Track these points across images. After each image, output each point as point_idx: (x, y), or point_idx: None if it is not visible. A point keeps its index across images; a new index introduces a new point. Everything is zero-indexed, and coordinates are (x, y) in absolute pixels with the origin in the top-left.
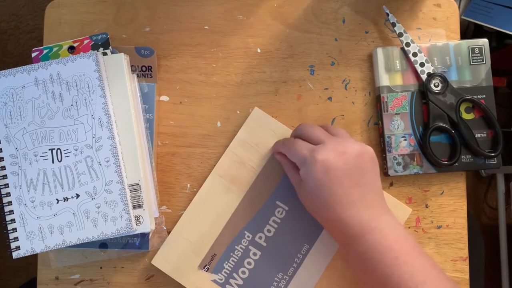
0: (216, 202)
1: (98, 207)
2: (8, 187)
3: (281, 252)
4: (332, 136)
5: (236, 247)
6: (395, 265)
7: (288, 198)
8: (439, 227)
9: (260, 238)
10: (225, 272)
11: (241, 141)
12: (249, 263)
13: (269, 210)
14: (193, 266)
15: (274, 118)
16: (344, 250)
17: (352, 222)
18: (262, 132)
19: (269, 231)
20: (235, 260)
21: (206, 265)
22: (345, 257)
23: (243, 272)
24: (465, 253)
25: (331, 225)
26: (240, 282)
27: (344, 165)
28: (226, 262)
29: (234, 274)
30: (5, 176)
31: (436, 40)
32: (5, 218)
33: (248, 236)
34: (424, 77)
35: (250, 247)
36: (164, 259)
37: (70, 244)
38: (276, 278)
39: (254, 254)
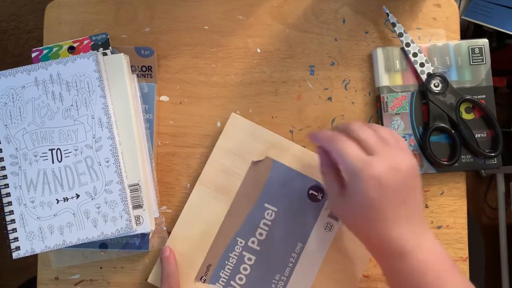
0: (204, 213)
1: (98, 207)
2: (8, 187)
3: (276, 253)
4: (384, 145)
5: (230, 254)
6: (437, 285)
7: (276, 199)
8: (439, 227)
9: (253, 242)
10: (222, 281)
11: (222, 148)
12: (245, 269)
13: (258, 213)
14: (189, 279)
15: (252, 121)
16: (383, 266)
17: (396, 241)
18: (241, 137)
19: (261, 234)
20: (231, 268)
21: (203, 276)
22: (383, 272)
23: (240, 279)
24: (465, 253)
25: (373, 242)
26: None
27: (395, 183)
28: (222, 271)
29: (232, 282)
30: (5, 176)
31: (436, 40)
32: (5, 218)
33: (241, 242)
34: (424, 77)
35: (244, 252)
36: (160, 276)
37: (70, 244)
38: (273, 280)
39: (249, 259)
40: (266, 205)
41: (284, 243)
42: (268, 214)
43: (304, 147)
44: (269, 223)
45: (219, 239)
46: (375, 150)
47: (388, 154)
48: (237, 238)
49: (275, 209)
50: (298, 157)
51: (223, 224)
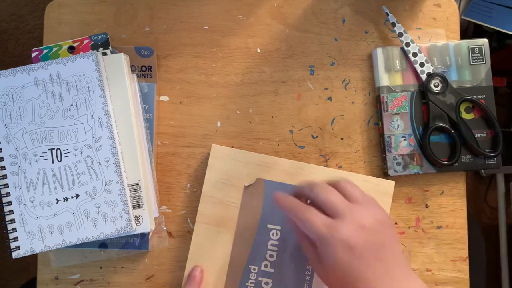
0: (210, 250)
1: (98, 207)
2: (8, 187)
3: (291, 271)
4: (348, 205)
5: (246, 284)
6: None
7: (277, 218)
8: (439, 227)
9: (266, 266)
10: None
11: (211, 182)
12: None
13: (264, 236)
14: None
15: (232, 148)
16: None
17: None
18: (227, 165)
19: (271, 256)
20: None
21: None
22: None
23: None
24: (465, 253)
25: None
26: None
27: (365, 242)
28: None
29: None
30: (5, 176)
31: (436, 40)
32: (5, 218)
33: (254, 269)
34: (424, 77)
35: (259, 278)
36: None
37: (70, 244)
38: None
39: (266, 283)
40: (269, 226)
41: (296, 259)
42: (273, 234)
43: (303, 147)
44: (277, 242)
45: (232, 272)
46: (339, 212)
47: (353, 213)
48: (249, 266)
49: (278, 227)
50: (287, 170)
51: (232, 256)
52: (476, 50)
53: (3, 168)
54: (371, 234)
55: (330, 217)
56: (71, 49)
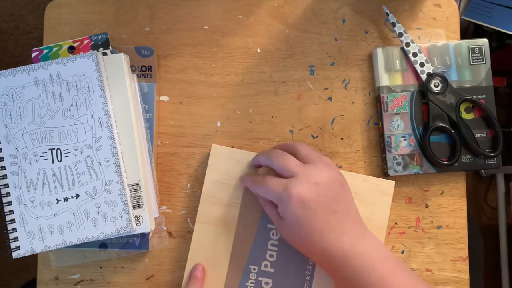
0: (211, 250)
1: (98, 207)
2: (8, 187)
3: (291, 270)
4: (301, 165)
5: (246, 284)
6: (382, 286)
7: None
8: (439, 227)
9: (266, 266)
10: None
11: (212, 182)
12: None
13: (264, 236)
14: None
15: (232, 148)
16: (332, 276)
17: (334, 249)
18: (227, 165)
19: (271, 256)
20: None
21: None
22: (335, 283)
23: None
24: (465, 253)
25: (316, 256)
26: None
27: (318, 196)
28: None
29: None
30: (5, 176)
31: (436, 40)
32: (5, 218)
33: (254, 269)
34: (424, 77)
35: (260, 278)
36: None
37: (70, 244)
38: None
39: (266, 283)
40: (269, 226)
41: (296, 258)
42: (273, 234)
43: None
44: (277, 242)
45: (232, 271)
46: (293, 172)
47: (307, 172)
48: (250, 266)
49: None
50: None
51: (232, 256)
52: (476, 50)
53: (3, 168)
54: (324, 189)
55: (286, 178)
56: (71, 49)
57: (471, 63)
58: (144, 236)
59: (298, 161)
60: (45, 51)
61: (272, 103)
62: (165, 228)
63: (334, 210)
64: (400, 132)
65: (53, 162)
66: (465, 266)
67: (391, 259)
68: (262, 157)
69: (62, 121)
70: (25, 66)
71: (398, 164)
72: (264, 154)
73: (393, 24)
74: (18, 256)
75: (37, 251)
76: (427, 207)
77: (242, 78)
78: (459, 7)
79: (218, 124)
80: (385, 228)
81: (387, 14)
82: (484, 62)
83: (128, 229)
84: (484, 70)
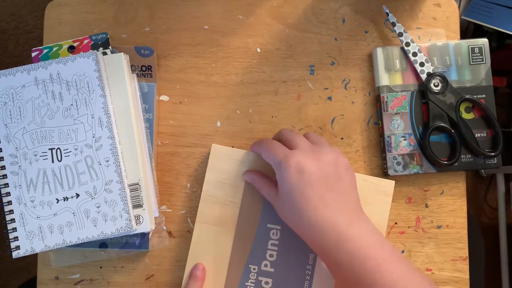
0: (211, 249)
1: (98, 207)
2: (8, 186)
3: (291, 270)
4: (309, 143)
5: (246, 283)
6: (377, 272)
7: (277, 217)
8: (439, 227)
9: (266, 265)
10: None
11: (211, 181)
12: None
13: (264, 235)
14: None
15: (232, 147)
16: (324, 259)
17: (327, 226)
18: (227, 165)
19: (271, 256)
20: None
21: None
22: (327, 267)
23: None
24: (465, 253)
25: (308, 232)
26: None
27: (318, 170)
28: None
29: None
30: (5, 176)
31: (436, 40)
32: (5, 218)
33: (254, 269)
34: (424, 76)
35: (259, 278)
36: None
37: (70, 244)
38: None
39: (266, 283)
40: (269, 225)
41: (296, 258)
42: (273, 233)
43: None
44: (277, 242)
45: (232, 271)
46: (299, 145)
47: (311, 148)
48: (249, 266)
49: (278, 227)
50: None
51: (232, 255)
52: (476, 50)
53: (3, 167)
54: (326, 166)
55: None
56: (71, 49)
57: (471, 63)
58: (144, 235)
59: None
60: (45, 51)
61: (272, 103)
62: (165, 228)
63: (332, 187)
64: (400, 132)
65: (53, 161)
66: (465, 266)
67: (388, 246)
68: (279, 133)
69: (62, 121)
70: (25, 65)
71: (398, 164)
72: (280, 132)
73: (393, 24)
74: (18, 256)
75: (37, 250)
76: (427, 206)
77: (242, 78)
78: (459, 7)
79: (218, 124)
80: (385, 227)
81: (387, 14)
82: (484, 62)
83: (128, 229)
84: (484, 70)
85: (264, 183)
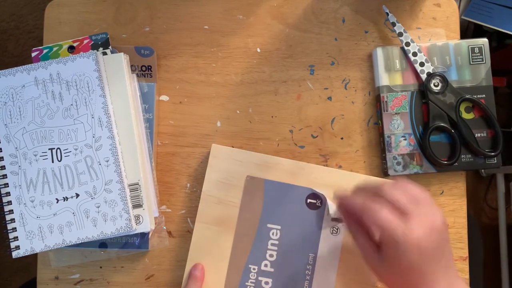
0: (211, 249)
1: (98, 207)
2: (8, 186)
3: (291, 270)
4: (415, 205)
5: (246, 283)
6: None
7: (277, 217)
8: None
9: (266, 265)
10: None
11: (211, 181)
12: None
13: (264, 235)
14: None
15: (232, 147)
16: None
17: None
18: (227, 165)
19: (271, 256)
20: None
21: None
22: None
23: None
24: (465, 252)
25: None
26: None
27: (433, 243)
28: None
29: None
30: (5, 176)
31: (436, 40)
32: (5, 218)
33: (254, 269)
34: (424, 76)
35: (259, 278)
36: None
37: (70, 244)
38: None
39: (266, 283)
40: (269, 225)
41: (296, 258)
42: (273, 234)
43: (303, 147)
44: (277, 242)
45: (232, 271)
46: (408, 211)
47: (422, 215)
48: (249, 265)
49: (278, 227)
50: (288, 170)
51: (232, 255)
52: (476, 50)
53: (3, 167)
54: (438, 236)
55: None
56: (71, 49)
57: (471, 62)
58: (144, 235)
59: (411, 198)
60: (45, 51)
61: (272, 103)
62: (165, 227)
63: (441, 257)
64: (400, 131)
65: (53, 161)
66: (465, 266)
67: None
68: (370, 187)
69: (62, 121)
70: (25, 65)
71: (398, 163)
72: (373, 185)
73: (393, 24)
74: (18, 256)
75: (37, 250)
76: None
77: (242, 78)
78: (459, 7)
79: (218, 124)
80: None
81: (387, 14)
82: (484, 62)
83: (128, 229)
84: (484, 70)
85: (359, 231)
